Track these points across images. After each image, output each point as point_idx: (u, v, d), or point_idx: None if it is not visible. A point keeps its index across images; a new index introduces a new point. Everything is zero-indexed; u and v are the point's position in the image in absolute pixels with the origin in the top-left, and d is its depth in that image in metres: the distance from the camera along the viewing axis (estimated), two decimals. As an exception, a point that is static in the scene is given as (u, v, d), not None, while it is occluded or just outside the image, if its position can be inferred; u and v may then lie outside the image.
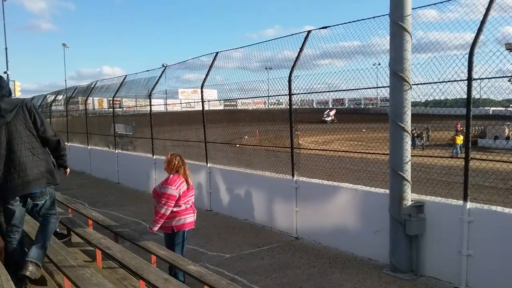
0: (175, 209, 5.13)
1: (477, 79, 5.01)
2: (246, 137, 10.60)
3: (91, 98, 17.07)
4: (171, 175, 5.18)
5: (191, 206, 5.28)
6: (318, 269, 5.90)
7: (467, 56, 4.98)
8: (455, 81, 5.19)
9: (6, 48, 33.19)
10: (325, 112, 14.74)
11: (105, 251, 5.01)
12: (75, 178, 14.99)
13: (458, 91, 5.26)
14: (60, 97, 20.51)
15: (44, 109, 21.93)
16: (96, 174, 15.39)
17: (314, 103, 9.83)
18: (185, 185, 5.18)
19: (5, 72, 32.89)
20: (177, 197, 5.10)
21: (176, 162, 5.22)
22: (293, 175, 7.49)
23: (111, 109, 14.82)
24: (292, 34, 7.54)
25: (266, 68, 8.70)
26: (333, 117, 14.82)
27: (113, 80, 15.14)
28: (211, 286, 3.89)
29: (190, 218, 5.24)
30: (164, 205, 5.03)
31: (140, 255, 4.88)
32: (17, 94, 33.27)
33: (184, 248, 5.28)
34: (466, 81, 5.01)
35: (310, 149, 8.05)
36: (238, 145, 10.07)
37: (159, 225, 5.11)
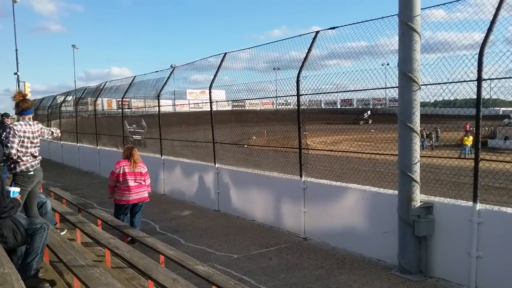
0: (117, 185, 6.94)
1: (487, 79, 4.96)
2: (254, 137, 10.59)
3: (100, 99, 17.17)
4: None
5: (131, 186, 6.90)
6: (326, 270, 5.88)
7: (476, 56, 4.92)
8: (464, 81, 5.14)
9: (16, 50, 33.50)
10: (131, 130, 12.54)
11: (114, 251, 5.06)
12: (84, 178, 15.14)
13: (467, 92, 5.20)
14: (69, 98, 20.66)
15: (54, 109, 22.16)
16: (105, 175, 15.33)
17: (322, 104, 9.80)
18: (129, 167, 6.96)
19: (15, 73, 33.21)
20: (116, 174, 6.89)
21: (124, 151, 7.29)
22: (301, 176, 7.48)
23: (120, 110, 14.91)
24: (299, 35, 7.50)
25: (274, 69, 8.69)
26: (142, 136, 12.26)
27: (122, 81, 15.24)
28: (219, 286, 3.91)
29: (128, 197, 6.91)
30: (109, 179, 7.07)
31: (149, 255, 4.92)
32: (27, 95, 33.52)
33: (135, 222, 7.13)
34: (476, 82, 4.97)
35: (318, 149, 8.02)
36: (246, 146, 10.06)
37: (110, 194, 7.14)
